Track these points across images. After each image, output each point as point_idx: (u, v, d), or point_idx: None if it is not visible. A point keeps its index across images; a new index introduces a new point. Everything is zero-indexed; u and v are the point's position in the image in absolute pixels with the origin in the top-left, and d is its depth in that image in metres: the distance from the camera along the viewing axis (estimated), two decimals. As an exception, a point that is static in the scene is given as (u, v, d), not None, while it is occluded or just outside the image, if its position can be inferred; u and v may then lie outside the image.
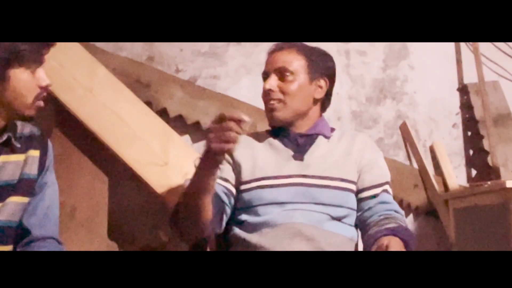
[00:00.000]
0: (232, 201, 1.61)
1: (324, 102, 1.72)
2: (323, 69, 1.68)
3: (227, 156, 1.63)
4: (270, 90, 1.63)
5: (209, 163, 1.39)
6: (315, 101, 1.68)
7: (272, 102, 1.63)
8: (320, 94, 1.68)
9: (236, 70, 2.57)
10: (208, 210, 1.48)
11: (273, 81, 1.63)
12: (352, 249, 1.60)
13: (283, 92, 1.62)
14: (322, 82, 1.68)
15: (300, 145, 1.64)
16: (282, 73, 1.63)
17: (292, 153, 1.64)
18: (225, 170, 1.61)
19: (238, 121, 1.31)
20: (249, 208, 1.59)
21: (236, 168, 1.62)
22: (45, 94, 1.37)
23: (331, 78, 1.70)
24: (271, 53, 1.69)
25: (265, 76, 1.67)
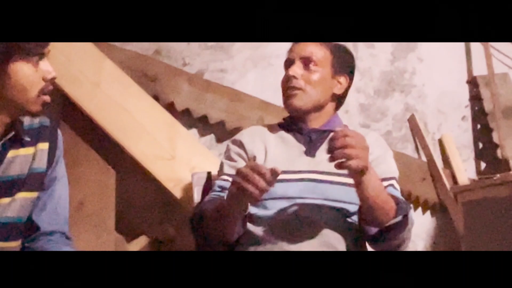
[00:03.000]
0: None
1: (341, 99, 1.71)
2: (346, 66, 1.68)
3: (241, 150, 1.64)
4: (293, 76, 1.61)
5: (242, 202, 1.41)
6: (334, 96, 1.67)
7: (293, 89, 1.62)
8: (339, 90, 1.67)
9: (243, 63, 2.56)
10: (238, 223, 1.50)
11: (297, 68, 1.62)
12: (358, 245, 1.59)
13: (305, 80, 1.61)
14: (342, 79, 1.67)
15: (312, 141, 1.63)
16: (307, 62, 1.62)
17: (304, 148, 1.63)
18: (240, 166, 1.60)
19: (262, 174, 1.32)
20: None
21: (251, 161, 1.62)
22: (50, 87, 1.33)
23: (351, 76, 1.70)
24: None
25: (289, 63, 1.65)
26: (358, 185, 1.43)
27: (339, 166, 1.35)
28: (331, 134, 1.37)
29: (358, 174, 1.40)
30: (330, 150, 1.35)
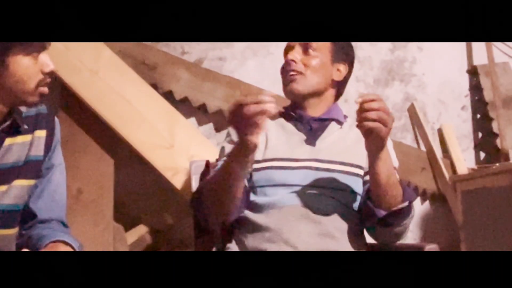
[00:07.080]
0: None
1: (340, 88, 1.72)
2: (345, 55, 1.70)
3: None
4: (292, 60, 1.62)
5: (244, 151, 1.39)
6: (333, 83, 1.68)
7: (292, 73, 1.62)
8: (338, 77, 1.68)
9: (242, 52, 2.55)
10: (240, 194, 1.49)
11: (296, 53, 1.64)
12: (358, 234, 1.59)
13: (304, 65, 1.63)
14: (342, 67, 1.69)
15: (313, 130, 1.64)
16: (306, 48, 1.64)
17: (304, 137, 1.63)
18: None
19: (257, 103, 1.29)
20: (257, 188, 1.58)
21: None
22: (49, 80, 1.34)
23: (350, 66, 1.71)
24: None
25: (288, 48, 1.67)
26: (373, 162, 1.44)
27: (367, 130, 1.37)
28: (364, 96, 1.38)
29: (377, 149, 1.41)
30: (363, 109, 1.36)
